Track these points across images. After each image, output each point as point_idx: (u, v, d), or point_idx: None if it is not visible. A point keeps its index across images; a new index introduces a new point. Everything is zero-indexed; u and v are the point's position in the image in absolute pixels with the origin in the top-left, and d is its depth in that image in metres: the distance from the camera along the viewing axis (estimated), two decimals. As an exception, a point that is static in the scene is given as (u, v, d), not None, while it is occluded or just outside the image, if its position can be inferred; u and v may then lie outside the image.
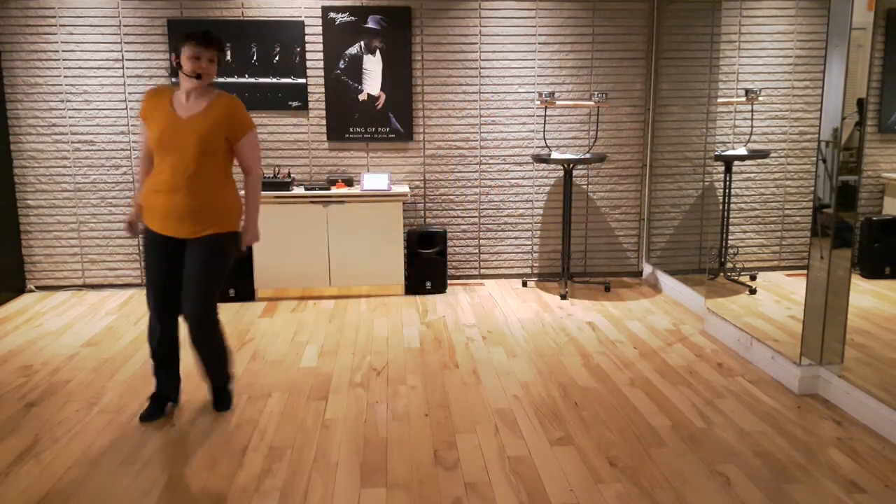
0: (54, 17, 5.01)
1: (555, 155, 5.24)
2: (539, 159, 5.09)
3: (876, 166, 3.58)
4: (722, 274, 4.61)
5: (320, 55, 5.19)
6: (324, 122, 5.28)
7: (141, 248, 5.32)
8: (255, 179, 3.13)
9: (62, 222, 5.26)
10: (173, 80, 5.09)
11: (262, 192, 4.93)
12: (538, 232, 5.56)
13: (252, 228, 3.15)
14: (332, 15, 5.13)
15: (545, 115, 5.38)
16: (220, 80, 5.12)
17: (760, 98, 4.28)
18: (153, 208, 3.00)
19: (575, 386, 3.51)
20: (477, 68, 5.29)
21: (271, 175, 5.09)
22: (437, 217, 5.48)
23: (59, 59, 5.07)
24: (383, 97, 5.26)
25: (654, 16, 5.32)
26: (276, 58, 5.15)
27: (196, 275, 3.00)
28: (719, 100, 4.53)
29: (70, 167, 5.20)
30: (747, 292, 4.47)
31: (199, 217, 2.98)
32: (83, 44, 5.06)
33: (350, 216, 5.02)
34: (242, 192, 3.52)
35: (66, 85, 5.10)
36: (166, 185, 2.95)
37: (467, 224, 5.51)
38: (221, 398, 3.28)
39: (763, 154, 4.39)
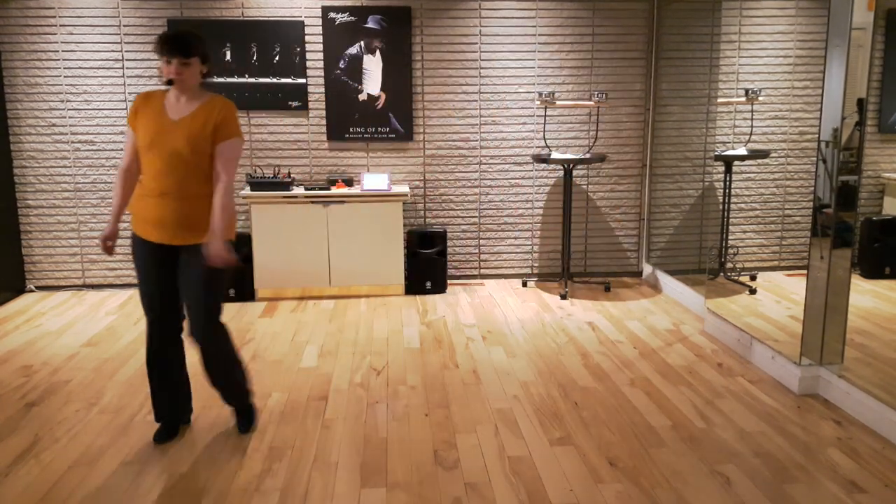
0: (54, 17, 5.01)
1: (555, 155, 5.24)
2: (539, 159, 5.09)
3: (876, 166, 3.59)
4: (722, 274, 4.61)
5: (320, 55, 5.19)
6: (324, 122, 5.28)
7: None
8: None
9: (62, 222, 5.26)
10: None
11: (263, 193, 4.93)
12: (538, 232, 5.56)
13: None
14: (332, 15, 5.13)
15: (545, 115, 5.38)
16: (221, 80, 5.13)
17: (760, 98, 4.29)
18: None
19: (575, 386, 3.51)
20: (477, 68, 5.29)
21: (271, 175, 5.09)
22: (437, 217, 5.48)
23: (59, 59, 5.06)
24: (383, 97, 5.26)
25: (654, 16, 5.32)
26: (276, 58, 5.15)
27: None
28: (719, 100, 4.53)
29: (70, 167, 5.20)
30: (747, 292, 4.47)
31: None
32: (83, 44, 5.06)
33: (350, 216, 5.02)
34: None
35: (66, 85, 5.10)
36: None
37: (467, 224, 5.50)
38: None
39: (763, 154, 4.39)
